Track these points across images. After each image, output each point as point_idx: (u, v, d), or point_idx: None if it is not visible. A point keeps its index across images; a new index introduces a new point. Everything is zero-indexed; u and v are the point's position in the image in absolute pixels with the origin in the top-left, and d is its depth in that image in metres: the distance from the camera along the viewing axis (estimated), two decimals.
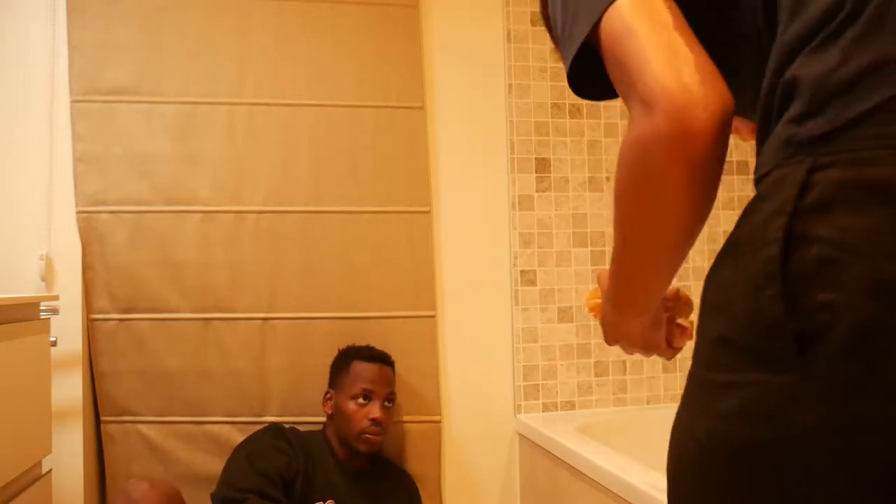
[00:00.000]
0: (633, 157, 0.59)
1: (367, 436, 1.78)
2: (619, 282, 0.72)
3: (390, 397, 1.86)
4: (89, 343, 1.89)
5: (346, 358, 1.87)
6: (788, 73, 0.55)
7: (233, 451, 1.76)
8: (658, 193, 0.59)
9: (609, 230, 2.21)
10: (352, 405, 1.79)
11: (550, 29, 0.76)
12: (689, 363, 0.60)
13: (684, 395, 0.60)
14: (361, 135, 2.04)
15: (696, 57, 0.58)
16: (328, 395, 1.87)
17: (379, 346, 1.95)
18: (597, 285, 0.87)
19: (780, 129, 0.55)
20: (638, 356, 0.87)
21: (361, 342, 1.95)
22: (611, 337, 0.84)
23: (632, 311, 0.77)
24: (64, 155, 1.91)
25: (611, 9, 0.61)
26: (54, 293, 1.85)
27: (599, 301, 0.85)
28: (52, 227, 1.89)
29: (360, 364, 1.84)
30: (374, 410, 1.79)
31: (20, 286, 1.84)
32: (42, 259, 1.85)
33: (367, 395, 1.80)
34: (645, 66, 0.57)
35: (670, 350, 0.86)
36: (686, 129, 0.55)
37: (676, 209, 0.59)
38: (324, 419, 1.93)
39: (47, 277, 1.87)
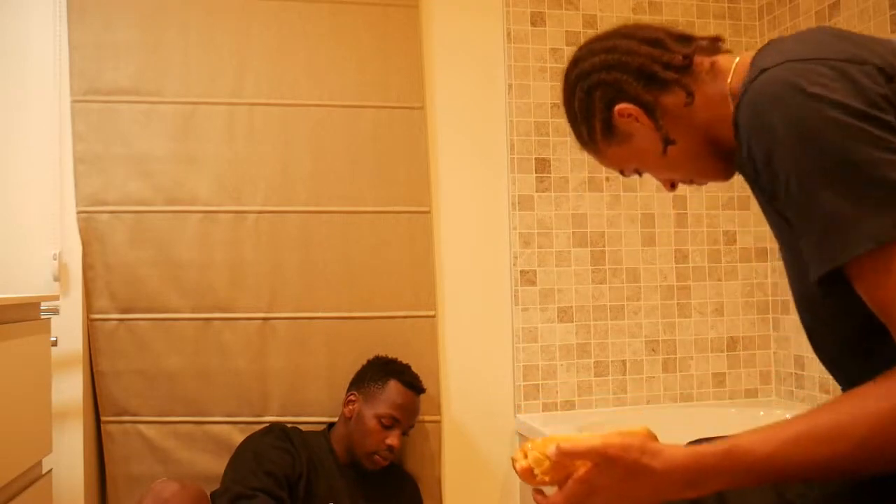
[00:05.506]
0: None
1: (378, 458, 1.79)
2: (808, 467, 0.69)
3: (411, 427, 1.87)
4: (89, 343, 1.90)
5: (386, 372, 1.86)
6: None
7: (237, 449, 1.76)
8: None
9: (605, 229, 2.22)
10: (374, 423, 1.79)
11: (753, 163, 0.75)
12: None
13: None
14: (361, 135, 2.04)
15: None
16: (352, 398, 1.85)
17: (379, 346, 1.95)
18: (539, 450, 0.76)
19: None
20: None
21: (361, 342, 1.95)
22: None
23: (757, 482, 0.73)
24: (65, 155, 1.91)
25: None
26: (55, 293, 1.85)
27: (548, 463, 0.75)
28: (55, 227, 1.89)
29: (398, 387, 1.83)
30: (394, 439, 1.79)
31: (29, 286, 1.84)
32: (55, 259, 1.85)
33: (393, 422, 1.80)
34: None
35: None
36: None
37: None
38: (324, 419, 1.93)
39: (60, 277, 1.86)
